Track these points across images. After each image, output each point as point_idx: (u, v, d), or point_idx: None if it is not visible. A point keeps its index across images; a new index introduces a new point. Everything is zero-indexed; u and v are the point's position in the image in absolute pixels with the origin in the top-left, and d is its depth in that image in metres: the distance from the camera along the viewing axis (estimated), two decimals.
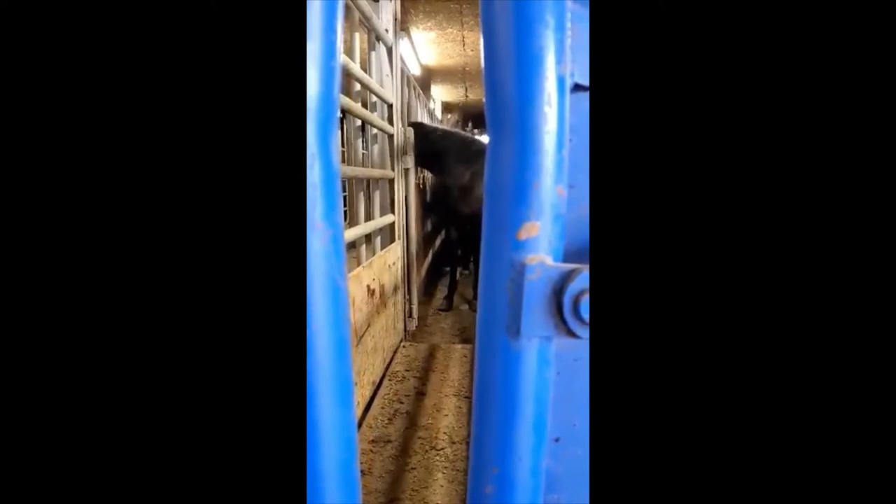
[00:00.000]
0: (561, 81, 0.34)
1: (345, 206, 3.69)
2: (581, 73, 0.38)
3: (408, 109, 3.20)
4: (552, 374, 0.38)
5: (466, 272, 4.37)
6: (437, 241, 4.60)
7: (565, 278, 0.34)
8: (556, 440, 0.44)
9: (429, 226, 4.10)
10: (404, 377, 2.34)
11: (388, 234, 2.61)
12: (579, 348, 0.43)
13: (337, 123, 0.38)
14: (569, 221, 0.37)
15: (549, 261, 0.35)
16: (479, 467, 0.39)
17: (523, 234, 0.35)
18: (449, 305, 3.55)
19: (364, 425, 1.89)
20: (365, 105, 2.38)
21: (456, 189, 3.20)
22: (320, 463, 0.38)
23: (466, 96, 7.00)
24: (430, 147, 3.05)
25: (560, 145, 0.35)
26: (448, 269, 3.69)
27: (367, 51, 2.54)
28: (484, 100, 0.37)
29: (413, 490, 1.54)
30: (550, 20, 0.34)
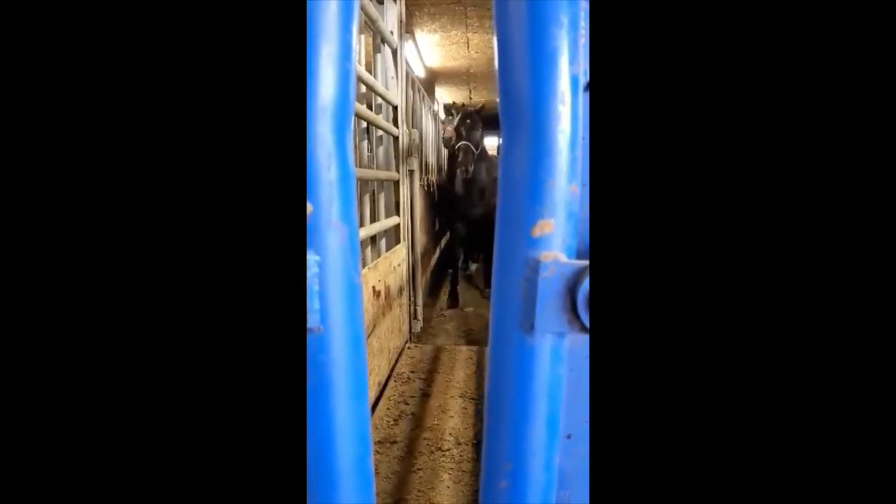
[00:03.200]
0: (574, 81, 0.35)
1: None
2: None
3: (412, 111, 3.21)
4: (565, 371, 0.39)
5: (470, 271, 4.41)
6: (442, 243, 4.63)
7: (578, 275, 0.35)
8: (568, 437, 0.44)
9: (435, 226, 4.12)
10: (410, 378, 2.35)
11: (392, 235, 2.62)
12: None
13: (352, 124, 0.38)
14: (582, 219, 0.38)
15: (563, 258, 0.35)
16: (493, 463, 0.39)
17: (537, 232, 0.35)
18: (454, 303, 3.56)
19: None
20: (370, 107, 2.39)
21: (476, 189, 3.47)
22: (335, 458, 0.38)
23: (470, 98, 7.02)
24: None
25: (573, 144, 0.35)
26: (451, 271, 3.78)
27: (372, 53, 2.56)
28: (498, 99, 0.37)
29: (419, 491, 1.54)
30: (564, 20, 0.34)
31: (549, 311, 0.35)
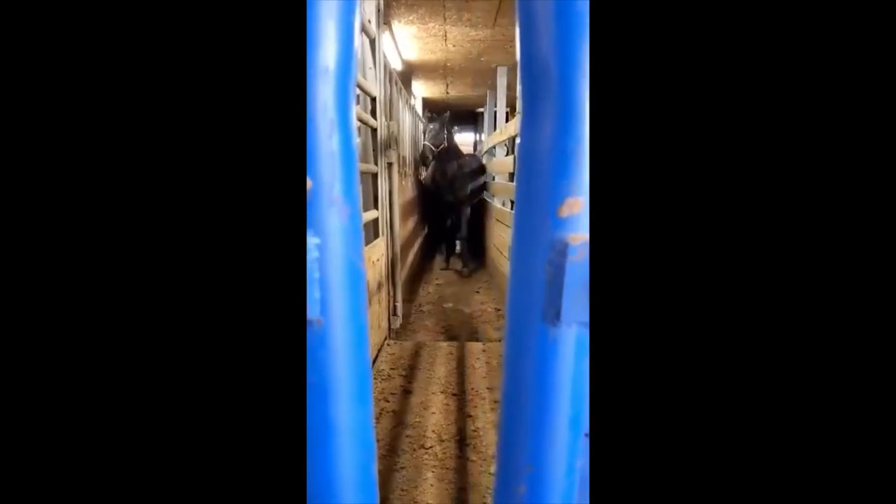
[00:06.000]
0: None
1: None
2: None
3: (390, 104, 3.15)
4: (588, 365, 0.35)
5: (454, 266, 4.53)
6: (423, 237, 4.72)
7: None
8: (587, 435, 0.41)
9: (411, 224, 4.13)
10: (390, 375, 2.30)
11: (371, 230, 2.56)
12: None
13: (355, 88, 0.34)
14: None
15: None
16: (510, 465, 0.36)
17: (565, 211, 0.32)
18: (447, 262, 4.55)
19: None
20: None
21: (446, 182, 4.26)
22: (336, 464, 0.34)
23: (447, 93, 6.96)
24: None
25: None
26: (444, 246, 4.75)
27: None
28: (518, 69, 0.34)
29: (402, 490, 1.50)
30: None
31: (578, 298, 0.32)
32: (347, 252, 0.33)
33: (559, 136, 0.31)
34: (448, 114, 4.40)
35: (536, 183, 0.32)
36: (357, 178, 0.34)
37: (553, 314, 0.32)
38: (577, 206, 0.31)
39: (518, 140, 0.34)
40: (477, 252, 4.81)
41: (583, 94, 0.32)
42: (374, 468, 0.37)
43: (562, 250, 0.31)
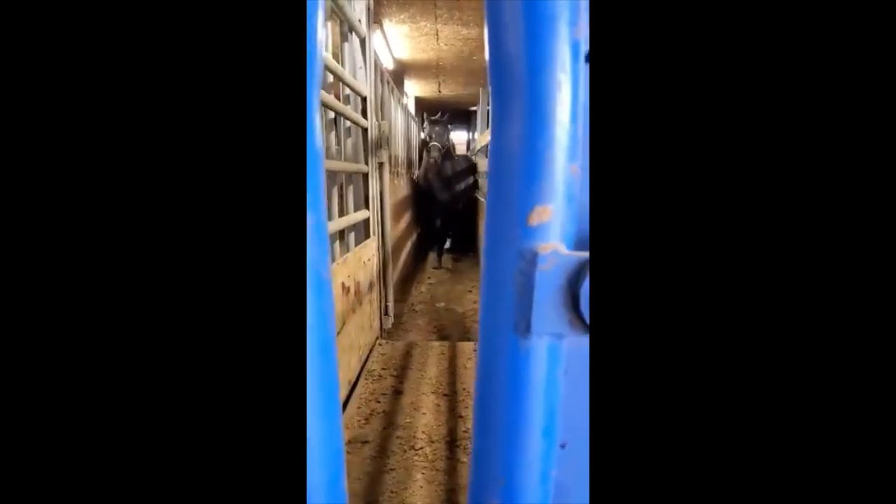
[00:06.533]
0: (575, 47, 0.31)
1: None
2: None
3: (381, 103, 3.13)
4: (561, 375, 0.35)
5: (438, 264, 4.58)
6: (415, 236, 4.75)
7: (581, 268, 0.31)
8: (562, 446, 0.40)
9: (404, 222, 4.12)
10: (381, 376, 2.29)
11: (362, 230, 2.55)
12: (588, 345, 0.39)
13: (320, 90, 0.33)
14: (581, 206, 0.33)
15: (563, 249, 0.31)
16: (482, 480, 0.35)
17: (534, 220, 0.31)
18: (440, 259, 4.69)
19: None
20: (338, 97, 2.31)
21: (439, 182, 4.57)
22: (306, 475, 0.33)
23: (440, 92, 6.94)
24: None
25: (574, 117, 0.31)
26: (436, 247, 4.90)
27: (339, 42, 2.47)
28: (487, 69, 0.33)
29: (392, 492, 1.50)
30: None
31: (548, 309, 0.31)
32: (312, 261, 0.32)
33: (528, 144, 0.30)
34: (447, 115, 4.59)
35: (505, 190, 0.32)
36: (322, 183, 0.33)
37: (524, 325, 0.32)
38: (547, 214, 0.31)
39: (490, 145, 0.33)
40: (467, 250, 4.92)
41: (552, 94, 0.31)
42: (344, 482, 0.36)
43: (531, 260, 0.31)
